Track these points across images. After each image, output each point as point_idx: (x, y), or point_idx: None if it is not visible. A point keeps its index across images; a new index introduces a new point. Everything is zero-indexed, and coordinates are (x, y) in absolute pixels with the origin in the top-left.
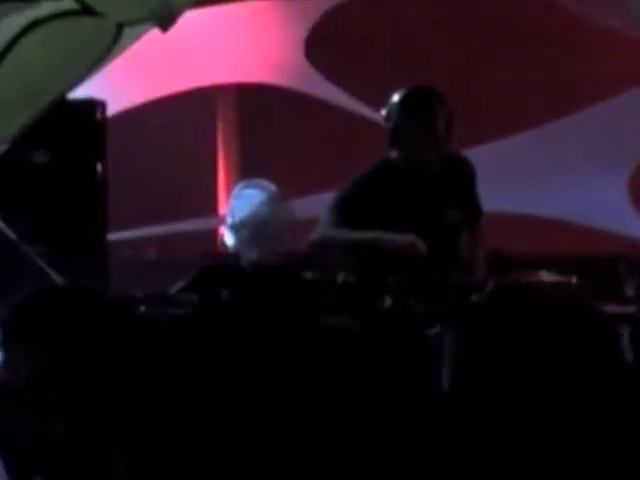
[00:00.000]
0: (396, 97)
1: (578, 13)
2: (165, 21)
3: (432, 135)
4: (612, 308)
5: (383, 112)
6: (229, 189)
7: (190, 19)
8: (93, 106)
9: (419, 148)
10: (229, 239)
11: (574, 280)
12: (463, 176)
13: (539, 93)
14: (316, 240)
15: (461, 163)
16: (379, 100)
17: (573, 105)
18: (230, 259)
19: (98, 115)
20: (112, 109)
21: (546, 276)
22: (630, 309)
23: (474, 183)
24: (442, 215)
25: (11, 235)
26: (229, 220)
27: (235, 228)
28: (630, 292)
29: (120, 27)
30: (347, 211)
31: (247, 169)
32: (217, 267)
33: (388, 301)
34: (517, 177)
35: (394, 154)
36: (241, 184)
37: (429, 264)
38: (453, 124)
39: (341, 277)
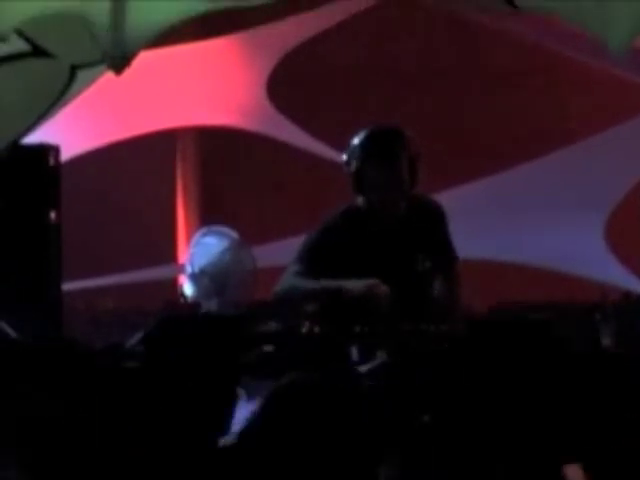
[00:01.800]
0: (356, 139)
1: (551, 52)
2: (119, 63)
3: (395, 178)
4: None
5: (344, 156)
6: (189, 236)
7: (146, 60)
8: (46, 151)
9: (382, 192)
10: (189, 289)
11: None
12: (432, 220)
13: (508, 138)
14: (280, 291)
15: (429, 206)
16: (344, 142)
17: (544, 148)
18: (190, 310)
19: (51, 160)
20: (66, 154)
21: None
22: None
23: (445, 226)
24: (410, 261)
25: None
26: (189, 269)
27: (195, 277)
28: (606, 341)
29: (73, 70)
30: (313, 260)
31: (208, 215)
32: (176, 319)
33: (355, 351)
34: (487, 222)
35: (359, 199)
36: (201, 231)
37: (396, 311)
38: (418, 166)
39: (305, 327)
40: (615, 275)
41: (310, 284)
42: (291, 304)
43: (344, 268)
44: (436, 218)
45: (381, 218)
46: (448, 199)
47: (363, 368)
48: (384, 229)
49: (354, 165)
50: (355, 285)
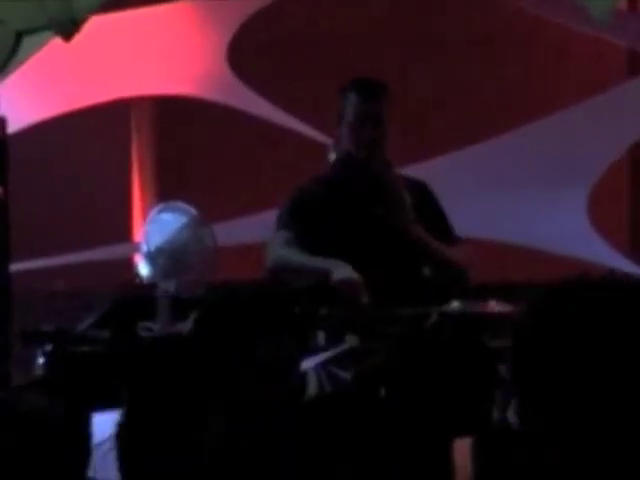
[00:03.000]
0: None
1: (533, 16)
2: (67, 29)
3: (379, 112)
4: None
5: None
6: (144, 213)
7: (97, 26)
8: None
9: (368, 126)
10: (144, 269)
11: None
12: (420, 197)
13: (484, 107)
14: (274, 266)
15: (416, 185)
16: (310, 112)
17: (523, 119)
18: (145, 291)
19: None
20: (13, 126)
21: (495, 306)
22: None
23: (438, 205)
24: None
25: None
26: (144, 248)
27: (151, 256)
28: None
29: (19, 36)
30: (299, 220)
31: (164, 190)
32: (131, 300)
33: (321, 335)
34: (462, 197)
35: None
36: (157, 207)
37: (380, 289)
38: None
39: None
40: (599, 252)
41: (300, 258)
42: (287, 278)
43: (324, 232)
44: (425, 196)
45: (364, 178)
46: (417, 172)
47: (329, 353)
48: (368, 191)
49: (340, 112)
50: (338, 274)
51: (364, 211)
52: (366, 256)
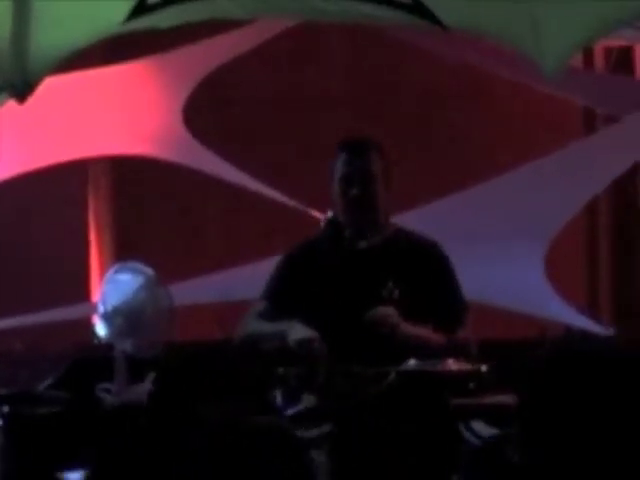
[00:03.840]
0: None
1: (486, 73)
2: (21, 90)
3: (366, 172)
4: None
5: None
6: (103, 272)
7: (51, 87)
8: None
9: (355, 187)
10: (101, 329)
11: (483, 369)
12: (421, 256)
13: (438, 165)
14: (242, 338)
15: (421, 242)
16: (262, 170)
17: (478, 176)
18: (102, 351)
19: None
20: None
21: (453, 364)
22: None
23: (447, 267)
24: (378, 287)
25: None
26: (101, 308)
27: (107, 317)
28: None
29: None
30: (276, 294)
31: (122, 250)
32: (88, 361)
33: (278, 395)
34: None
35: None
36: (114, 267)
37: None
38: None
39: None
40: (556, 310)
41: (263, 327)
42: (251, 348)
43: (307, 294)
44: (431, 256)
45: (355, 237)
46: None
47: (288, 412)
48: (359, 250)
49: (331, 174)
50: (293, 335)
51: (347, 281)
52: (349, 324)
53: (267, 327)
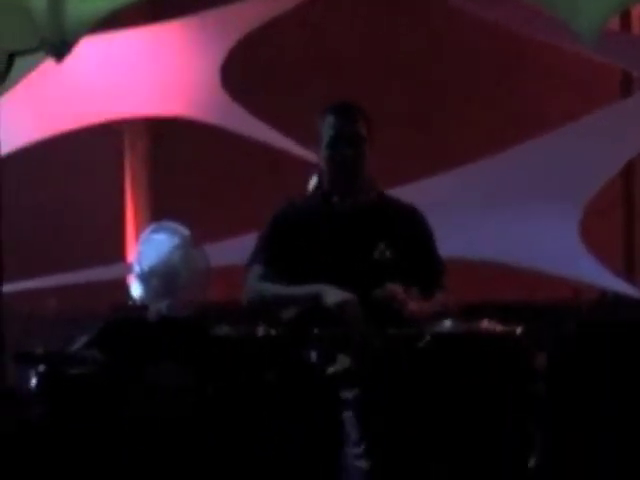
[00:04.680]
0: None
1: (522, 36)
2: (59, 50)
3: (352, 131)
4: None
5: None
6: (138, 233)
7: (90, 46)
8: None
9: (340, 146)
10: (136, 290)
11: (518, 330)
12: (407, 220)
13: (478, 126)
14: (250, 299)
15: (405, 207)
16: (304, 132)
17: (517, 137)
18: (137, 312)
19: None
20: (6, 147)
21: (489, 325)
22: None
23: (427, 232)
24: (369, 248)
25: None
26: (136, 269)
27: (143, 277)
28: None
29: (11, 57)
30: (270, 256)
31: (158, 211)
32: (122, 322)
33: (314, 355)
34: (454, 216)
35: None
36: (150, 228)
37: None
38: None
39: (261, 330)
40: (591, 273)
41: (276, 290)
42: (267, 312)
43: (300, 256)
44: (412, 219)
45: (344, 200)
46: (412, 192)
47: (325, 372)
48: (347, 212)
49: (318, 137)
50: (331, 297)
51: (337, 243)
52: (343, 286)
53: (281, 289)
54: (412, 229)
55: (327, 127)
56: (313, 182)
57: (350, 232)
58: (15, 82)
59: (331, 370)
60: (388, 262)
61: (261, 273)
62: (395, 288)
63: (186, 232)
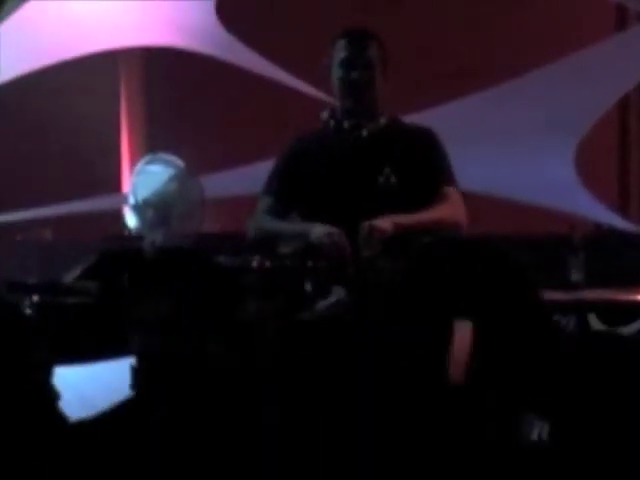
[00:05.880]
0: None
1: None
2: None
3: (364, 56)
4: (556, 296)
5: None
6: (133, 164)
7: None
8: None
9: (352, 71)
10: (131, 220)
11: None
12: (417, 142)
13: (478, 56)
14: (254, 236)
15: (416, 130)
16: (299, 65)
17: (514, 69)
18: (132, 242)
19: None
20: (3, 75)
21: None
22: (575, 296)
23: (437, 149)
24: (375, 174)
25: None
26: (131, 199)
27: (138, 208)
28: (575, 277)
29: None
30: (280, 187)
31: (153, 142)
32: (117, 252)
33: (308, 285)
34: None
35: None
36: (145, 159)
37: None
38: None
39: (256, 261)
40: (586, 206)
41: (277, 226)
42: (265, 245)
43: (309, 186)
44: (423, 141)
45: (355, 125)
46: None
47: (320, 305)
48: (356, 138)
49: (329, 62)
50: (314, 234)
51: (345, 170)
52: (348, 213)
53: (281, 226)
54: (421, 150)
55: (338, 50)
56: (325, 114)
57: (358, 158)
58: (9, 12)
59: (326, 302)
60: (393, 187)
61: (269, 205)
62: (379, 223)
63: (181, 164)
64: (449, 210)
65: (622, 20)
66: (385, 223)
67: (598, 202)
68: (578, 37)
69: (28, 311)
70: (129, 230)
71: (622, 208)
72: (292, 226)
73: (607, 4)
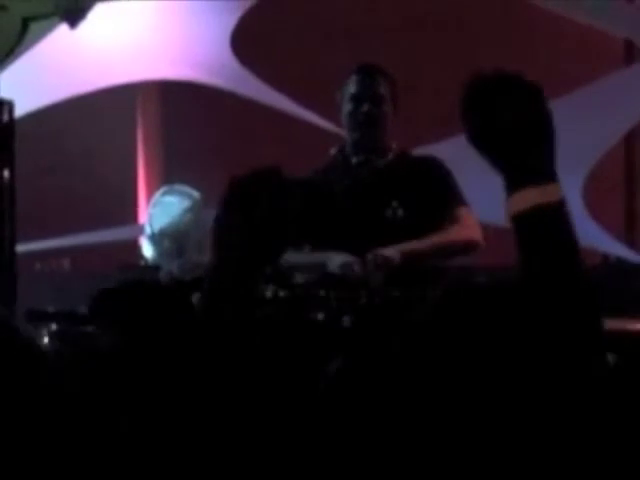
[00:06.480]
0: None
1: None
2: (74, 16)
3: (374, 92)
4: None
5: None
6: (150, 195)
7: (103, 12)
8: None
9: (362, 106)
10: (148, 250)
11: None
12: (424, 173)
13: None
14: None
15: (424, 161)
16: (313, 98)
17: None
18: (148, 272)
19: (5, 116)
20: (20, 110)
21: None
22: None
23: (444, 178)
24: (382, 209)
25: None
26: (148, 230)
27: (154, 238)
28: None
29: (26, 22)
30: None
31: (169, 174)
32: (133, 283)
33: (321, 316)
34: (462, 181)
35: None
36: (161, 190)
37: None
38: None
39: (270, 291)
40: (593, 237)
41: (293, 257)
42: (279, 276)
43: (319, 220)
44: (428, 169)
45: (363, 160)
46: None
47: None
48: (364, 172)
49: (341, 97)
50: (333, 263)
51: (353, 205)
52: (356, 247)
53: (302, 258)
54: (426, 179)
55: (349, 85)
56: (334, 150)
57: (365, 194)
58: (29, 47)
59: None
60: (400, 220)
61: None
62: (384, 252)
63: (197, 195)
64: (460, 230)
65: (630, 55)
66: (391, 252)
67: (605, 233)
68: (586, 72)
69: (45, 340)
70: (145, 260)
71: (629, 239)
72: (308, 257)
73: (615, 39)
